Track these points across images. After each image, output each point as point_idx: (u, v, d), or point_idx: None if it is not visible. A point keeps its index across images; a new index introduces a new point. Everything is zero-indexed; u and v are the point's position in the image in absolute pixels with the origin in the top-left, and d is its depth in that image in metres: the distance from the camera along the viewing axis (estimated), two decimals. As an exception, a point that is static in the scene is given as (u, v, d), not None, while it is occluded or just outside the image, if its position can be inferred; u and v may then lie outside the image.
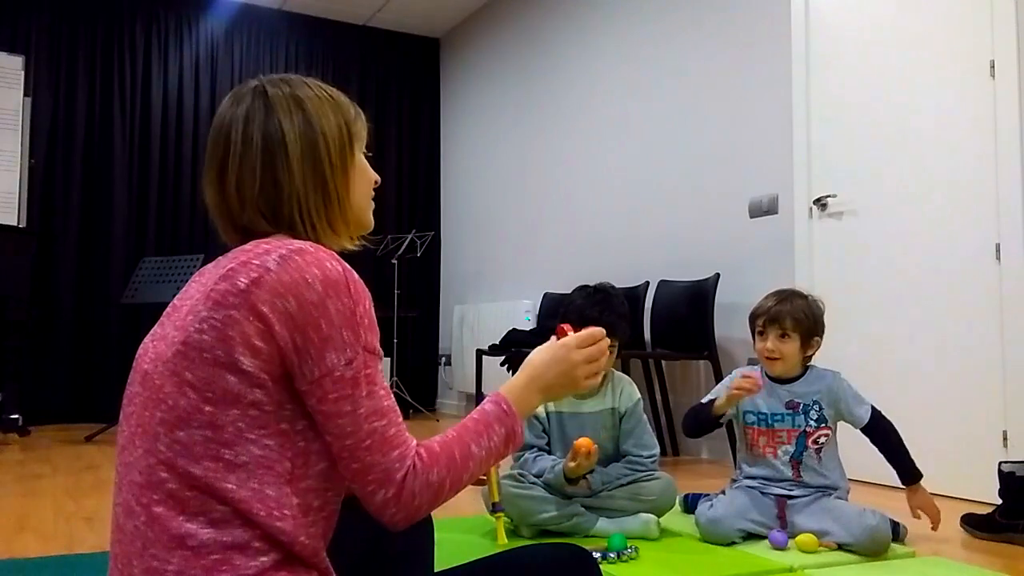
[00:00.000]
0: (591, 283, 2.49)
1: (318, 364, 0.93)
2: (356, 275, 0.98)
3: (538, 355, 1.15)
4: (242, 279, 0.94)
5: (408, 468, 0.95)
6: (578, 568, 1.14)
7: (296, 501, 0.94)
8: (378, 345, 0.99)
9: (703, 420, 2.40)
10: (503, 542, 1.35)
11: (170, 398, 0.93)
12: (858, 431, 2.39)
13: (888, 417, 2.38)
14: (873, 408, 2.36)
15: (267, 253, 0.96)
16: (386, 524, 0.98)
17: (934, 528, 2.30)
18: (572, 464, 2.24)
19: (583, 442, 2.23)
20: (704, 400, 2.45)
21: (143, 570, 0.91)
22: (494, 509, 1.37)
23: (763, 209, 3.81)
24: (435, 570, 1.32)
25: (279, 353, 0.93)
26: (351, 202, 1.09)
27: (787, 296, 2.38)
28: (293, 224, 1.04)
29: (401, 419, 0.98)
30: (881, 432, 2.36)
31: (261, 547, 0.92)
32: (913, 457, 2.29)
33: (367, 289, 0.99)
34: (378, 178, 1.14)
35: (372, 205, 1.14)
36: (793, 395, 2.37)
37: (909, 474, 2.32)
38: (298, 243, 0.98)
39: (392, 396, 0.99)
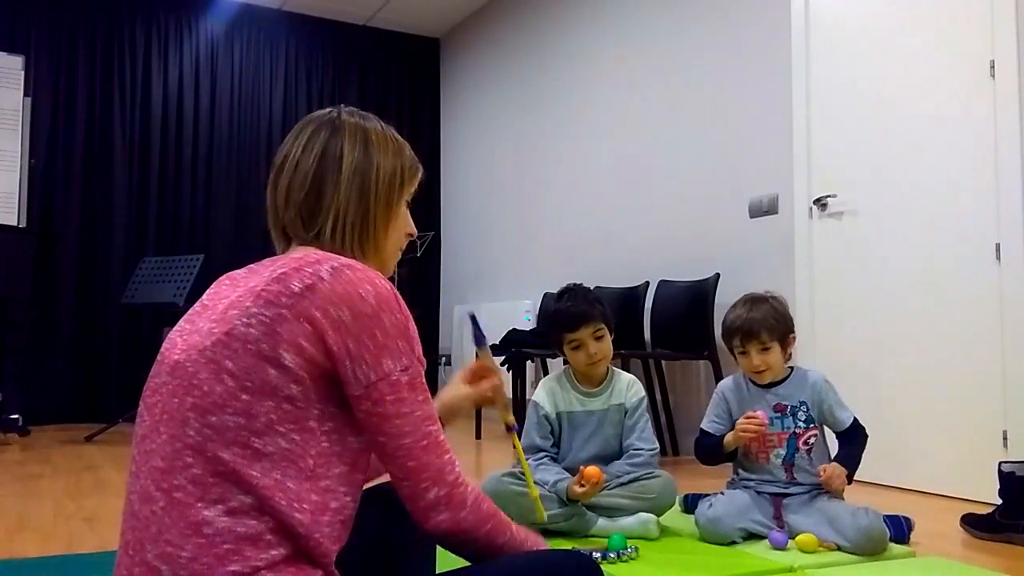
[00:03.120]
0: (582, 286, 2.55)
1: (374, 369, 0.98)
2: (399, 293, 1.05)
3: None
4: (295, 283, 0.98)
5: (459, 475, 1.03)
6: (579, 575, 1.15)
7: (314, 498, 0.97)
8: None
9: (719, 455, 2.42)
10: (522, 456, 1.55)
11: (205, 384, 0.96)
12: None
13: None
14: (855, 418, 2.35)
15: (318, 263, 1.01)
16: (430, 525, 1.03)
17: (826, 483, 2.23)
18: (579, 490, 2.25)
19: (593, 471, 2.24)
20: (705, 427, 2.47)
21: (156, 555, 0.93)
22: (509, 430, 1.49)
23: (763, 209, 3.81)
24: (437, 571, 1.32)
25: (328, 357, 0.97)
26: (385, 239, 1.15)
27: (752, 305, 2.37)
28: (322, 232, 1.10)
29: None
30: (852, 436, 2.34)
31: (273, 540, 0.94)
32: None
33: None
34: (414, 231, 1.22)
35: (399, 256, 1.21)
36: (779, 398, 2.38)
37: (843, 460, 2.29)
38: (345, 259, 1.04)
39: None
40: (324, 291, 0.98)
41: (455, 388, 1.45)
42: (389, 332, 0.99)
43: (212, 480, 0.93)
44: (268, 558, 0.93)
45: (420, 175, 1.21)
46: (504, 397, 1.47)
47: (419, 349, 1.04)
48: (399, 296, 1.04)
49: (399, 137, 1.20)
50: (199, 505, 0.93)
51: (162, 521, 0.93)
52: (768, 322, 2.33)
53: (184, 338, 1.03)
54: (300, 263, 1.01)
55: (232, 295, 1.03)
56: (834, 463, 2.28)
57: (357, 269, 1.02)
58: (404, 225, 1.19)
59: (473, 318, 1.52)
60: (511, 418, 1.50)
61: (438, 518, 1.02)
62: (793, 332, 2.40)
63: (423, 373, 1.04)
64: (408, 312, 1.04)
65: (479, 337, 1.45)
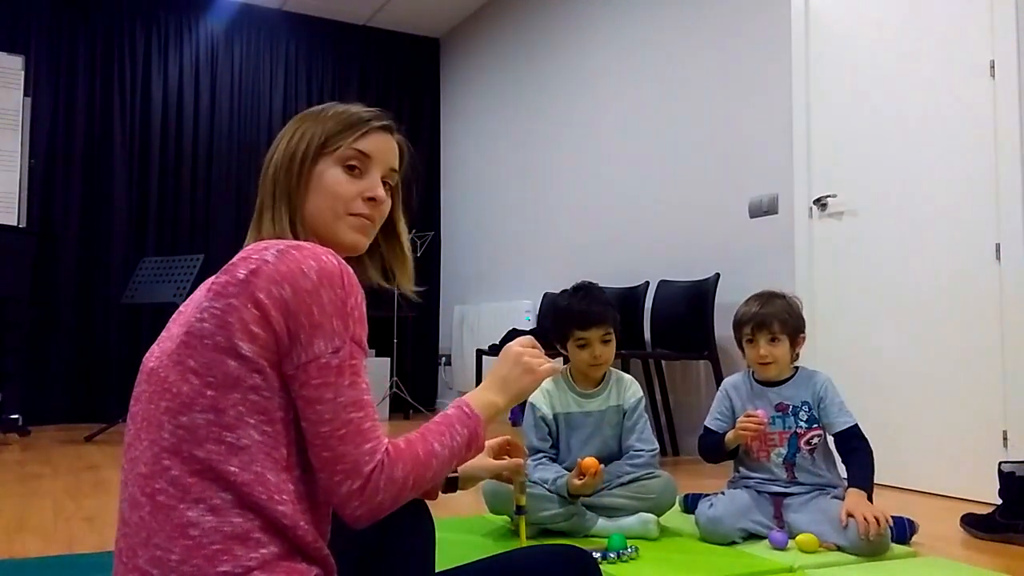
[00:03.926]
0: (596, 285, 2.52)
1: (306, 350, 0.95)
2: (351, 270, 1.00)
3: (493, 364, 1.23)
4: (241, 271, 0.97)
5: (377, 463, 0.97)
6: (578, 570, 1.14)
7: (291, 487, 0.97)
8: (365, 340, 1.01)
9: (721, 452, 2.42)
10: (524, 541, 1.58)
11: (174, 386, 0.96)
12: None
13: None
14: (857, 427, 2.33)
15: (266, 249, 0.99)
16: (348, 519, 0.98)
17: (863, 534, 2.07)
18: (578, 483, 2.25)
19: (591, 462, 2.24)
20: (708, 424, 2.47)
21: (147, 560, 0.93)
22: (518, 512, 1.56)
23: (763, 209, 3.81)
24: (436, 571, 1.32)
25: (275, 339, 0.95)
26: (305, 214, 1.11)
27: (768, 299, 2.40)
28: (262, 224, 1.10)
29: (377, 416, 1.00)
30: (852, 444, 2.31)
31: (262, 539, 0.93)
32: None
33: (360, 286, 1.02)
34: (372, 192, 1.12)
35: (353, 222, 1.12)
36: (782, 397, 2.38)
37: (859, 483, 2.23)
38: (295, 241, 1.03)
39: (370, 393, 1.01)
40: (268, 272, 0.96)
41: (480, 458, 1.50)
42: (326, 309, 0.96)
43: (191, 480, 0.93)
44: (259, 557, 0.93)
45: (357, 131, 1.12)
46: (522, 478, 1.53)
47: (356, 329, 0.99)
48: (347, 271, 0.99)
49: (337, 106, 1.16)
50: (182, 507, 0.93)
51: (150, 526, 0.94)
52: (781, 315, 2.35)
53: (160, 345, 1.04)
54: (249, 251, 1.00)
55: (197, 295, 1.03)
56: (852, 491, 2.20)
57: (304, 248, 0.99)
58: (331, 190, 1.11)
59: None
60: (523, 500, 1.56)
61: (355, 512, 0.97)
62: (804, 332, 2.41)
63: (359, 355, 0.99)
64: (353, 289, 0.99)
65: (516, 416, 1.50)
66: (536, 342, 1.24)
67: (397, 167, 1.18)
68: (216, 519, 0.92)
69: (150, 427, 0.97)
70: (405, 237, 1.27)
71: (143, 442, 0.98)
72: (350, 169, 1.12)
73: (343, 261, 1.00)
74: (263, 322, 0.95)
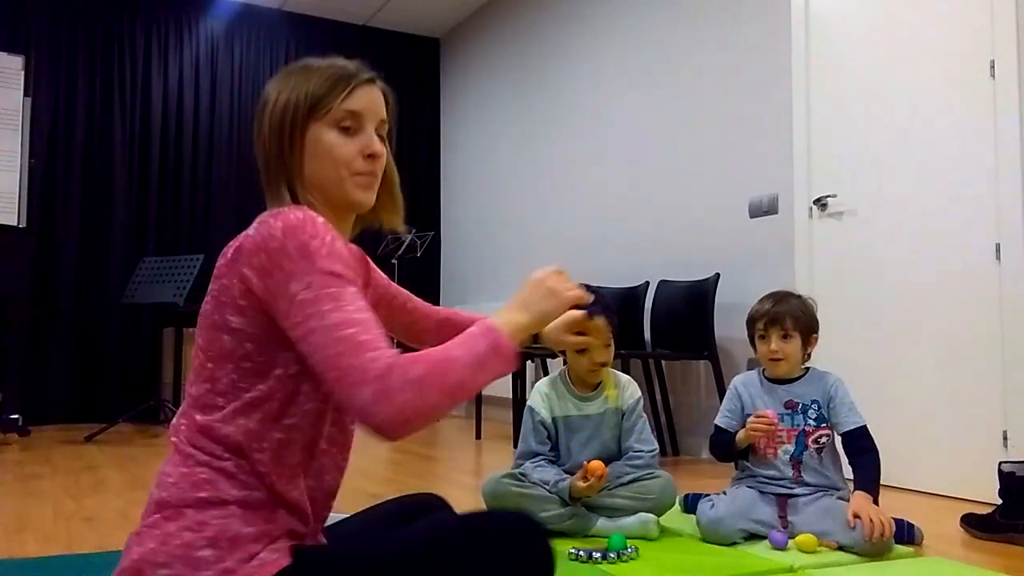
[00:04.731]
0: (589, 285, 2.49)
1: (284, 296, 1.00)
2: (319, 219, 1.04)
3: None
4: (230, 252, 1.06)
5: (384, 366, 0.95)
6: (526, 535, 1.08)
7: (278, 436, 1.06)
8: (343, 271, 1.01)
9: (731, 452, 2.44)
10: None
11: (193, 362, 1.11)
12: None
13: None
14: (866, 428, 2.33)
15: (251, 225, 1.07)
16: (375, 428, 0.95)
17: (868, 536, 2.08)
18: (582, 485, 2.25)
19: (596, 465, 2.24)
20: (719, 423, 2.47)
21: (155, 484, 1.07)
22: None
23: (763, 209, 3.81)
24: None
25: (261, 306, 1.02)
26: (306, 173, 1.14)
27: (782, 297, 2.42)
28: (271, 192, 1.15)
29: (381, 332, 0.99)
30: (860, 445, 2.30)
31: (250, 482, 1.04)
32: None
33: (330, 228, 1.04)
34: (372, 149, 1.15)
35: (360, 181, 1.15)
36: (791, 395, 2.39)
37: (866, 486, 2.23)
38: (277, 208, 1.06)
39: (371, 315, 1.00)
40: (248, 246, 1.03)
41: (558, 332, 1.51)
42: (293, 256, 1.00)
43: (194, 434, 1.07)
44: (242, 497, 1.03)
45: (345, 89, 1.14)
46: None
47: (324, 263, 0.99)
48: (312, 219, 1.02)
49: (321, 63, 1.17)
50: (186, 448, 1.06)
51: (166, 464, 1.08)
52: (795, 312, 2.37)
53: None
54: (243, 231, 1.07)
55: None
56: (859, 494, 2.20)
57: (281, 213, 1.03)
58: (332, 151, 1.13)
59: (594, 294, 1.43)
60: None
61: (377, 418, 0.94)
62: (816, 333, 2.41)
63: (334, 282, 0.99)
64: (319, 231, 1.01)
65: (593, 308, 1.42)
66: (563, 269, 1.20)
67: (386, 117, 1.21)
68: (210, 457, 1.05)
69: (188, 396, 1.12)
70: (396, 179, 1.26)
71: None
72: (344, 130, 1.15)
73: (313, 214, 1.04)
74: (248, 293, 1.02)
